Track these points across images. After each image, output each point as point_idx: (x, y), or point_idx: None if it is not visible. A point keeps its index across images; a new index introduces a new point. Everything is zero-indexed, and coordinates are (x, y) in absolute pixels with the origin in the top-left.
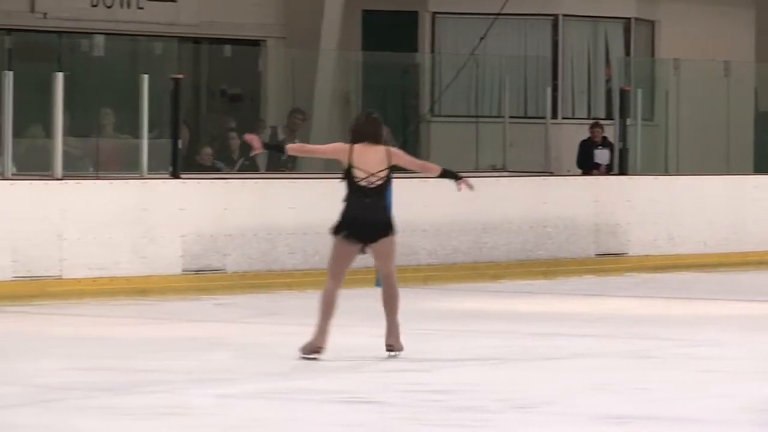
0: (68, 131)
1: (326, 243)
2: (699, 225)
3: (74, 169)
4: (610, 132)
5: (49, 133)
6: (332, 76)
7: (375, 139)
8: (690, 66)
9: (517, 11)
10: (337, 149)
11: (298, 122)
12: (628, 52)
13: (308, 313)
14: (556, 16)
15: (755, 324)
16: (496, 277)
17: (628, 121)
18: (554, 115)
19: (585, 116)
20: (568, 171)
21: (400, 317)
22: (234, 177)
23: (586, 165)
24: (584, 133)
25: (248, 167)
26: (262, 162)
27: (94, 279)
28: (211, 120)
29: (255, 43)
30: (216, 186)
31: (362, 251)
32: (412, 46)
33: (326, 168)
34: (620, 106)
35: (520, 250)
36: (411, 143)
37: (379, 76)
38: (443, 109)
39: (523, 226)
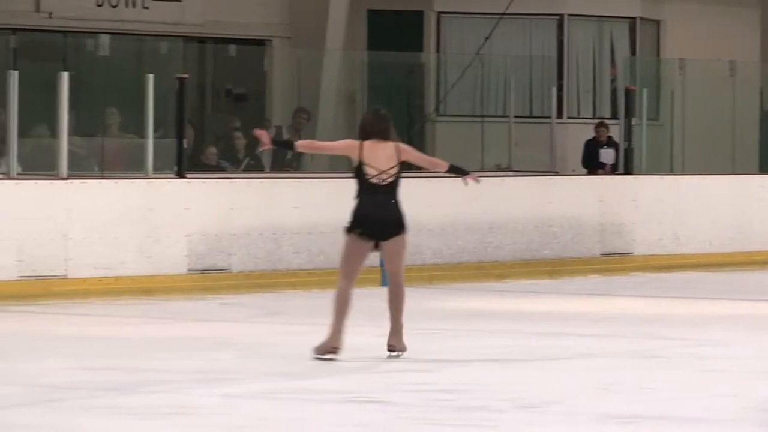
0: (73, 131)
1: (331, 242)
2: (704, 224)
3: (79, 169)
4: (616, 132)
5: (54, 132)
6: (337, 75)
7: (384, 135)
8: (695, 66)
9: (523, 11)
10: (346, 146)
11: (303, 122)
12: (633, 52)
13: (313, 312)
14: (561, 15)
15: (761, 324)
16: (501, 277)
17: (634, 121)
18: (559, 115)
19: (590, 116)
20: (574, 171)
21: (405, 317)
22: (239, 177)
23: (592, 165)
24: (589, 133)
25: (253, 167)
26: (267, 161)
27: (100, 278)
28: (216, 120)
29: (260, 43)
30: (221, 186)
31: (375, 249)
32: (418, 45)
33: (331, 168)
34: (625, 105)
35: (525, 250)
36: (416, 143)
37: (385, 76)
38: (448, 109)
39: (528, 226)
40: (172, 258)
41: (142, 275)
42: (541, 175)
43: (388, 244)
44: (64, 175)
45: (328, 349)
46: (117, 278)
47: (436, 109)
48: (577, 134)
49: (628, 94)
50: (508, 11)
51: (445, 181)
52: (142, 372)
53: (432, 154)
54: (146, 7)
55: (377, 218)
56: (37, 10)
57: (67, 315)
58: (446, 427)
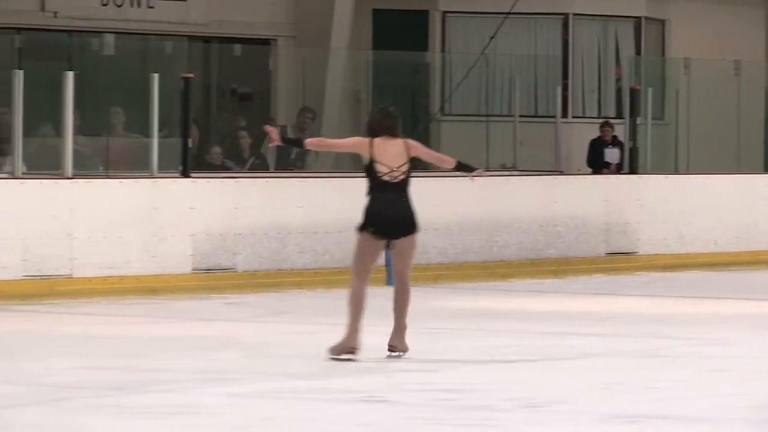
0: (78, 130)
1: (336, 242)
2: (709, 224)
3: (84, 169)
4: (621, 131)
5: (59, 132)
6: (342, 75)
7: (393, 132)
8: (700, 65)
9: (528, 10)
10: (356, 143)
11: (308, 121)
12: (638, 52)
13: (318, 312)
14: (566, 15)
15: (766, 323)
16: (506, 276)
17: (639, 120)
18: (564, 114)
19: (595, 115)
20: (579, 170)
21: (410, 316)
22: (244, 176)
23: (596, 164)
24: (594, 132)
25: (258, 166)
26: (271, 161)
27: (104, 278)
28: (221, 119)
29: (265, 42)
30: (226, 185)
31: (387, 247)
32: (423, 45)
33: (336, 167)
34: (630, 105)
35: (530, 249)
36: (421, 142)
37: (390, 76)
38: (453, 108)
39: (533, 225)
40: (177, 257)
41: (146, 275)
42: (546, 174)
43: (399, 243)
44: (69, 175)
45: (346, 350)
46: (122, 277)
47: (441, 109)
48: (582, 134)
49: (633, 93)
50: (513, 11)
51: (450, 181)
52: (147, 371)
53: None
54: (151, 7)
55: (390, 216)
56: (42, 9)
57: (72, 314)
58: (450, 426)
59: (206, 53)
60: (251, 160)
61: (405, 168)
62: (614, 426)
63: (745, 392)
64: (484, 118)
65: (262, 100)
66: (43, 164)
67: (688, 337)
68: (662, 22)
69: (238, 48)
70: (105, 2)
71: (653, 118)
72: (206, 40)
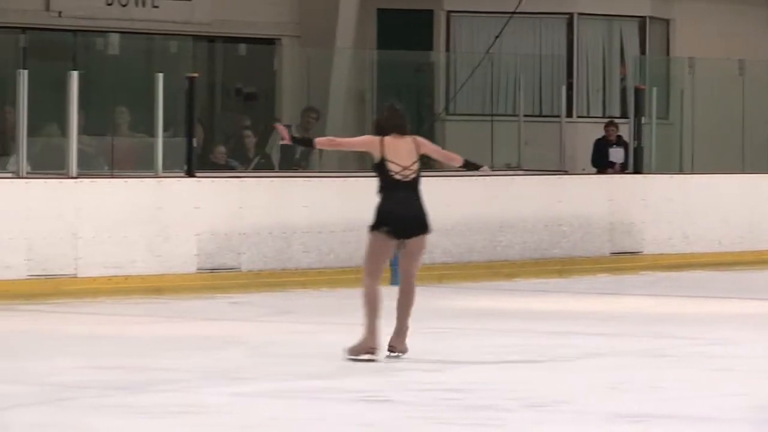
0: (83, 130)
1: (341, 241)
2: (714, 224)
3: (89, 168)
4: (625, 130)
5: (63, 131)
6: (347, 74)
7: (402, 130)
8: (705, 65)
9: (532, 10)
10: (367, 141)
11: (312, 121)
12: (643, 51)
13: (323, 311)
14: (571, 14)
15: None
16: (510, 276)
17: (643, 120)
18: (569, 114)
19: (600, 115)
20: (583, 170)
21: (414, 316)
22: (249, 175)
23: (601, 164)
24: (599, 132)
25: (263, 165)
26: (276, 160)
27: (109, 278)
28: (226, 119)
29: (270, 42)
30: (231, 184)
31: (398, 247)
32: (427, 44)
33: (341, 167)
34: (635, 104)
35: (534, 249)
36: None
37: (394, 75)
38: (458, 108)
39: (538, 225)
40: (182, 257)
41: (151, 274)
42: (551, 174)
43: (410, 243)
44: (74, 174)
45: (365, 350)
46: (126, 277)
47: (446, 108)
48: (586, 133)
49: (638, 93)
50: (518, 10)
51: (453, 180)
52: (152, 371)
53: None
54: (156, 6)
55: (403, 216)
56: (47, 9)
57: (77, 314)
58: (454, 426)
59: (211, 53)
60: (256, 160)
61: (416, 167)
62: (619, 425)
63: (749, 392)
64: (488, 118)
65: (267, 99)
66: (48, 164)
67: (692, 336)
68: (667, 22)
69: (242, 47)
70: (110, 2)
71: (658, 118)
72: (211, 39)
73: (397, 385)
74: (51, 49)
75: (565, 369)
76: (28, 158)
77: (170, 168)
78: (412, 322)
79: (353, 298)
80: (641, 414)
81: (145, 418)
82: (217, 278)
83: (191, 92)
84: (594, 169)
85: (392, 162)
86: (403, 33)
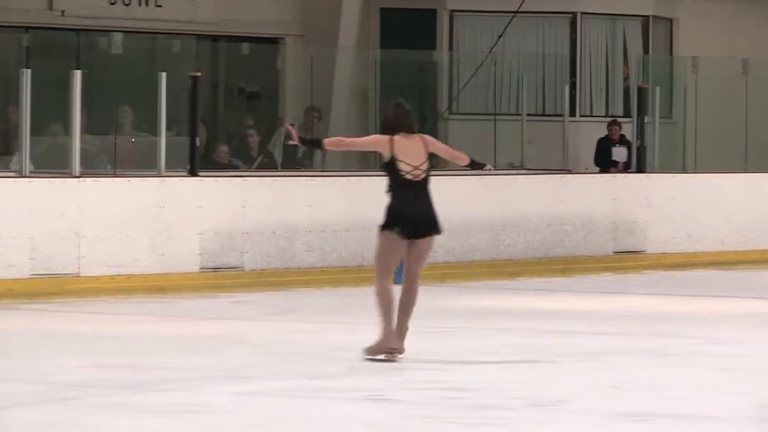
0: (86, 129)
1: (344, 240)
2: (717, 223)
3: (92, 167)
4: (628, 130)
5: (67, 131)
6: (350, 73)
7: (411, 128)
8: (708, 64)
9: (536, 9)
10: (377, 141)
11: (314, 120)
12: (646, 50)
13: (326, 310)
14: (574, 13)
15: None
16: (513, 275)
17: (646, 119)
18: (572, 113)
19: (603, 114)
20: (586, 169)
21: (417, 315)
22: (252, 175)
23: (604, 163)
24: (602, 131)
25: (266, 164)
26: (279, 159)
27: (112, 277)
28: (229, 118)
29: (273, 41)
30: (234, 184)
31: (409, 247)
32: (430, 43)
33: (344, 166)
34: (638, 103)
35: (537, 248)
36: None
37: (397, 74)
38: (461, 107)
39: (541, 224)
40: (185, 256)
41: (154, 273)
42: (554, 173)
43: (420, 243)
44: (77, 174)
45: (383, 350)
46: (129, 276)
47: (449, 108)
48: (589, 132)
49: (641, 92)
50: (521, 9)
51: (456, 179)
52: (155, 370)
53: None
54: (159, 5)
55: (415, 216)
56: (50, 8)
57: (80, 313)
58: (456, 425)
59: (214, 52)
60: (259, 159)
61: (426, 166)
62: (621, 424)
63: (752, 391)
64: (491, 117)
65: (270, 98)
66: (51, 163)
67: (695, 335)
68: (670, 21)
69: (246, 47)
70: (113, 1)
71: (661, 117)
72: (214, 38)
73: (400, 385)
74: (54, 48)
75: (567, 368)
76: (31, 157)
77: (173, 167)
78: (414, 321)
79: (356, 297)
80: (644, 413)
81: (148, 417)
82: (220, 277)
83: (194, 91)
84: (597, 169)
85: (402, 161)
86: (406, 32)
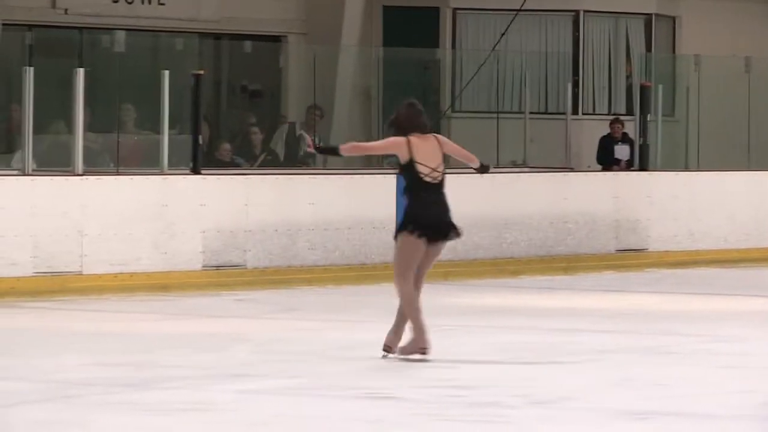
0: (89, 127)
1: (346, 239)
2: (719, 221)
3: (95, 165)
4: (631, 128)
5: (70, 129)
6: (353, 72)
7: (424, 129)
8: (711, 62)
9: (538, 7)
10: (394, 144)
11: (316, 119)
12: (649, 48)
13: (328, 308)
14: (577, 12)
15: None
16: (516, 273)
17: (649, 117)
18: (575, 111)
19: (605, 112)
20: (589, 167)
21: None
22: (254, 173)
23: (606, 161)
24: (605, 129)
25: (269, 162)
26: (281, 155)
27: (115, 275)
28: (232, 116)
29: (276, 39)
30: (236, 182)
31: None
32: (433, 42)
33: (346, 164)
34: (641, 102)
35: (540, 246)
36: None
37: (400, 72)
38: (464, 105)
39: (544, 222)
40: (187, 254)
41: (157, 271)
42: (556, 171)
43: (437, 246)
44: (80, 172)
45: (415, 350)
46: (132, 274)
47: (452, 106)
48: (592, 130)
49: (644, 90)
50: (523, 7)
51: (459, 178)
52: (158, 368)
53: None
54: (162, 4)
55: (435, 219)
56: (53, 6)
57: (83, 311)
58: (459, 423)
59: (217, 50)
60: (262, 157)
61: (442, 167)
62: (624, 422)
63: (755, 389)
64: (494, 115)
65: (273, 97)
66: (54, 161)
67: (698, 333)
68: (673, 19)
69: (248, 45)
70: None
71: (663, 115)
72: (217, 36)
73: (403, 382)
74: (57, 46)
75: (570, 366)
76: (34, 155)
77: (176, 165)
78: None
79: (359, 295)
80: (646, 411)
81: (150, 415)
82: (223, 275)
83: (197, 89)
84: (599, 167)
85: (421, 164)
86: (409, 30)
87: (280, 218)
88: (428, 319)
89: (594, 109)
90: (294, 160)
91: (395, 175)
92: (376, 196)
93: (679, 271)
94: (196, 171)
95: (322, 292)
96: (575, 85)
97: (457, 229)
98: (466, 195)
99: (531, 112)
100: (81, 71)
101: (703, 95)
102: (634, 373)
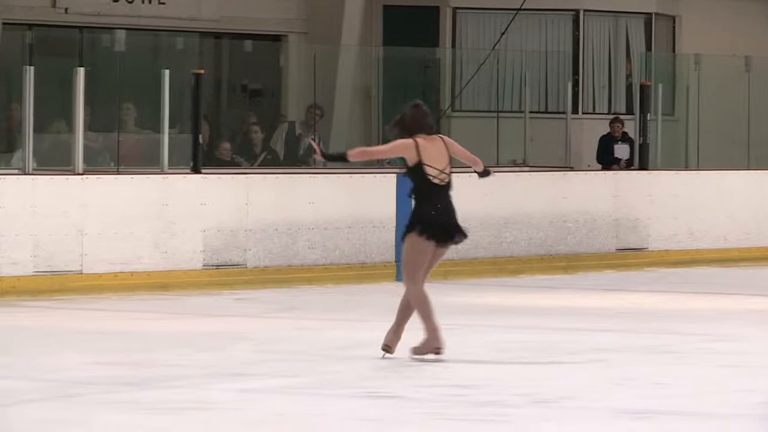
0: (89, 126)
1: (346, 238)
2: (719, 220)
3: (95, 164)
4: (631, 127)
5: (70, 128)
6: (353, 71)
7: (430, 129)
8: (711, 61)
9: (538, 6)
10: (402, 147)
11: (316, 118)
12: (649, 48)
13: (329, 307)
14: (577, 11)
15: None
16: (516, 272)
17: (649, 116)
18: (575, 110)
19: (605, 111)
20: (589, 166)
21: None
22: (255, 172)
23: (606, 160)
24: (604, 128)
25: (270, 161)
26: (281, 154)
27: (115, 274)
28: (232, 115)
29: (276, 39)
30: (237, 181)
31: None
32: (433, 41)
33: (347, 164)
34: (641, 101)
35: (540, 245)
36: None
37: (400, 72)
38: (464, 105)
39: (544, 221)
40: (188, 253)
41: (157, 270)
42: (556, 170)
43: (444, 248)
44: (80, 171)
45: (430, 350)
46: (132, 273)
47: (452, 105)
48: (592, 130)
49: (644, 89)
50: (523, 7)
51: (459, 177)
52: (159, 367)
53: None
54: (162, 3)
55: (445, 222)
56: (54, 5)
57: (83, 310)
58: (460, 422)
59: (217, 49)
60: (262, 156)
61: (449, 169)
62: (624, 421)
63: (755, 388)
64: (494, 114)
65: (273, 96)
66: (54, 160)
67: (698, 332)
68: (673, 18)
69: (249, 44)
70: None
71: (663, 114)
72: (217, 36)
73: (403, 381)
74: (57, 45)
75: (570, 365)
76: (34, 155)
77: (176, 164)
78: (416, 319)
79: (359, 294)
80: (646, 410)
81: (151, 414)
82: (223, 274)
83: (197, 89)
84: (599, 166)
85: (430, 166)
86: (409, 30)
87: (281, 217)
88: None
89: (594, 109)
90: (293, 159)
91: (395, 175)
92: (377, 196)
93: (679, 270)
94: (196, 170)
95: (322, 292)
96: (575, 84)
97: (463, 231)
98: (466, 194)
99: (531, 112)
100: (81, 70)
101: (703, 94)
102: (634, 371)
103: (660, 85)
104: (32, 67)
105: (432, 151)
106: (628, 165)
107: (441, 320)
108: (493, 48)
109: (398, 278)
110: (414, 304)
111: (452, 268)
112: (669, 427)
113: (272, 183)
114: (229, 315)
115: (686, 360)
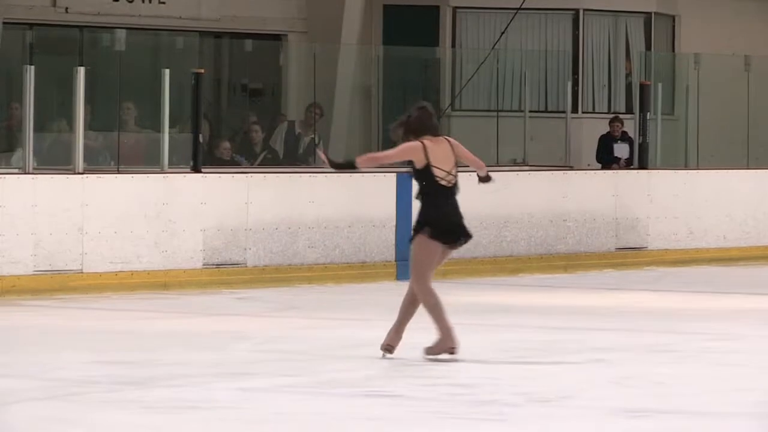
0: (89, 126)
1: (346, 237)
2: (719, 219)
3: (95, 164)
4: (630, 126)
5: (71, 127)
6: (353, 70)
7: (436, 131)
8: (710, 60)
9: (538, 6)
10: (410, 150)
11: (316, 117)
12: (648, 47)
13: (328, 307)
14: (577, 10)
15: None
16: (516, 271)
17: (649, 116)
18: (574, 110)
19: (605, 110)
20: (588, 165)
21: (419, 312)
22: (255, 171)
23: (606, 159)
24: (604, 128)
25: (270, 161)
26: (281, 153)
27: (116, 273)
28: (232, 114)
29: (276, 38)
30: (237, 180)
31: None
32: (433, 40)
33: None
34: (640, 100)
35: (540, 245)
36: None
37: (400, 71)
38: (464, 104)
39: (543, 221)
40: (188, 252)
41: (157, 270)
42: (556, 169)
43: (451, 249)
44: (80, 170)
45: (444, 350)
46: (133, 273)
47: (452, 104)
48: (591, 129)
49: (643, 88)
50: (523, 6)
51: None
52: (159, 366)
53: None
54: (162, 2)
55: (452, 223)
56: (54, 5)
57: (83, 309)
58: (460, 421)
59: (217, 49)
60: (263, 155)
61: (455, 171)
62: (623, 420)
63: (754, 387)
64: (494, 114)
65: (273, 95)
66: (54, 159)
67: (697, 332)
68: (672, 18)
69: (249, 43)
70: None
71: (663, 114)
72: (217, 35)
73: (403, 380)
74: (58, 44)
75: (569, 364)
76: (35, 154)
77: (176, 164)
78: (416, 318)
79: (359, 293)
80: (645, 409)
81: (152, 413)
82: (223, 274)
83: (197, 88)
84: (599, 165)
85: (437, 167)
86: (409, 29)
87: (281, 216)
88: (427, 317)
89: (594, 108)
90: (293, 158)
91: (395, 174)
92: (377, 195)
93: (678, 270)
94: (196, 169)
95: (322, 291)
96: (575, 83)
97: (468, 233)
98: (466, 193)
99: (531, 111)
100: (81, 70)
101: (703, 94)
102: (633, 371)
103: (660, 85)
104: (33, 67)
105: (439, 153)
106: (628, 164)
107: None
108: (493, 47)
109: (398, 277)
110: (425, 306)
111: (452, 267)
112: (668, 426)
113: (272, 182)
114: (230, 314)
115: (685, 359)
